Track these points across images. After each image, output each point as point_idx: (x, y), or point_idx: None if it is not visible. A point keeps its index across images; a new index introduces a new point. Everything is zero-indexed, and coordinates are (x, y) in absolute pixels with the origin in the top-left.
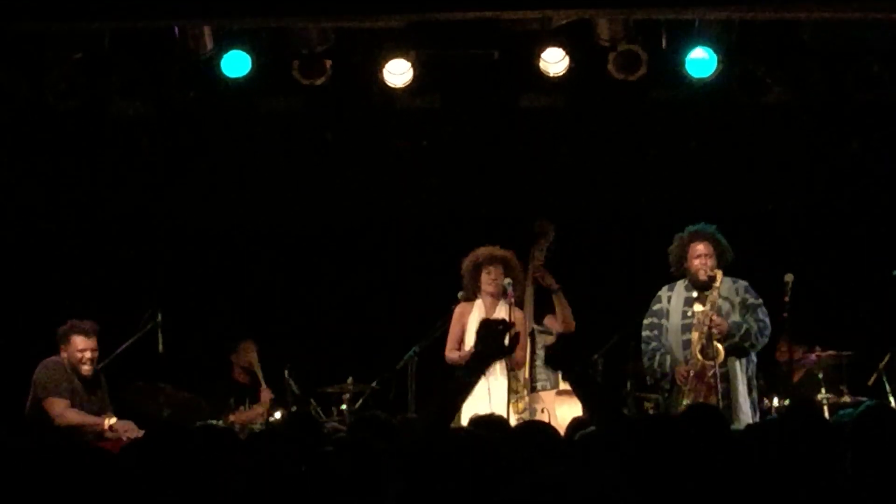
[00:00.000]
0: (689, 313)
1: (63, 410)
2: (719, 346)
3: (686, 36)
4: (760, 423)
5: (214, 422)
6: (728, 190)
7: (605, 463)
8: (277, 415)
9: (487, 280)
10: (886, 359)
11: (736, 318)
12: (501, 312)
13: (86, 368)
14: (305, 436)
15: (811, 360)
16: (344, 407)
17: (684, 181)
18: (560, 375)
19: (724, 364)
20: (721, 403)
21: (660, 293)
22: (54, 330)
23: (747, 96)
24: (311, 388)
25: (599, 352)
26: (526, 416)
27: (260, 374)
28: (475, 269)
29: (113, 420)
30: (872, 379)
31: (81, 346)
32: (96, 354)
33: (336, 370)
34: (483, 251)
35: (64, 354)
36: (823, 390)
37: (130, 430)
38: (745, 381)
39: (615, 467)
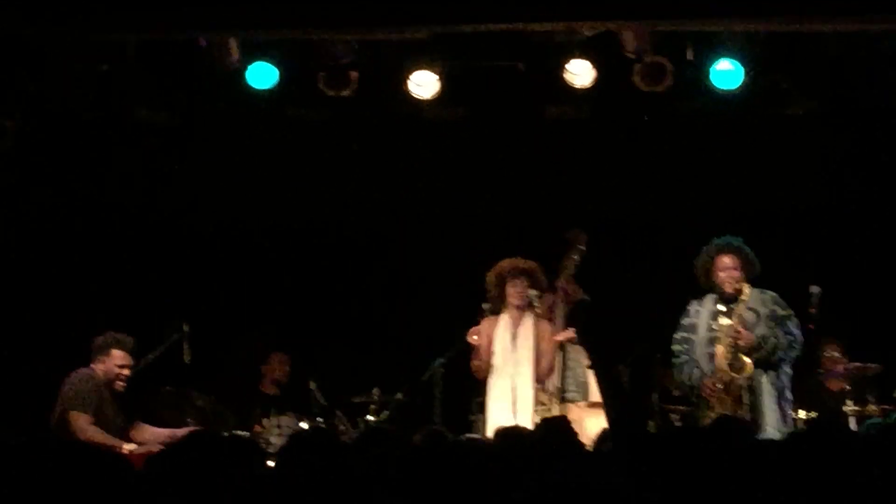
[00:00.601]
0: (715, 326)
1: (85, 426)
2: (746, 358)
3: (711, 48)
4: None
5: (240, 432)
6: (754, 201)
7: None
8: (304, 425)
9: (513, 293)
10: None
11: (763, 330)
12: (528, 325)
13: (120, 384)
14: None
15: (838, 372)
16: (370, 417)
17: (710, 192)
18: (591, 387)
19: (750, 377)
20: (748, 416)
21: (689, 307)
22: (90, 339)
23: (773, 107)
24: (336, 399)
25: (626, 362)
26: None
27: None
28: (500, 281)
29: (133, 447)
30: None
31: (120, 362)
32: (130, 372)
33: (362, 381)
34: (507, 263)
35: (100, 366)
36: (851, 402)
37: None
38: (774, 394)
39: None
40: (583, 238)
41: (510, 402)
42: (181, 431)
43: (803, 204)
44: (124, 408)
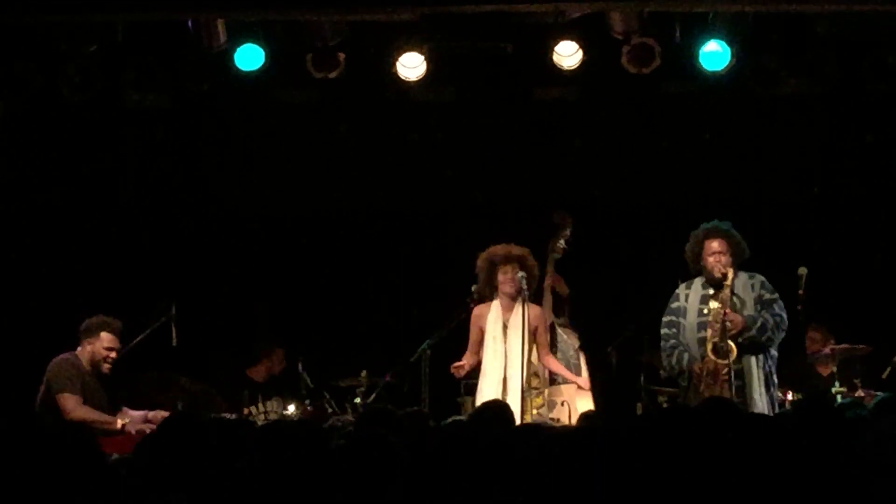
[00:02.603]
0: (705, 311)
1: (76, 406)
2: (732, 343)
3: (700, 29)
4: (775, 415)
5: (228, 415)
6: (742, 182)
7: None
8: (291, 408)
9: (504, 279)
10: None
11: (751, 312)
12: (519, 312)
13: (107, 367)
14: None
15: (826, 354)
16: (358, 400)
17: (698, 174)
18: (581, 369)
19: (738, 361)
20: (735, 400)
21: (678, 291)
22: (79, 321)
23: (761, 89)
24: (324, 382)
25: (613, 344)
26: (544, 410)
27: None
28: (490, 268)
29: (126, 420)
30: (887, 372)
31: (108, 344)
32: (117, 355)
33: (350, 363)
34: (498, 249)
35: (88, 348)
36: (837, 384)
37: (142, 426)
38: (762, 378)
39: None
40: (568, 220)
41: (499, 381)
42: (160, 413)
43: (791, 185)
44: (109, 391)
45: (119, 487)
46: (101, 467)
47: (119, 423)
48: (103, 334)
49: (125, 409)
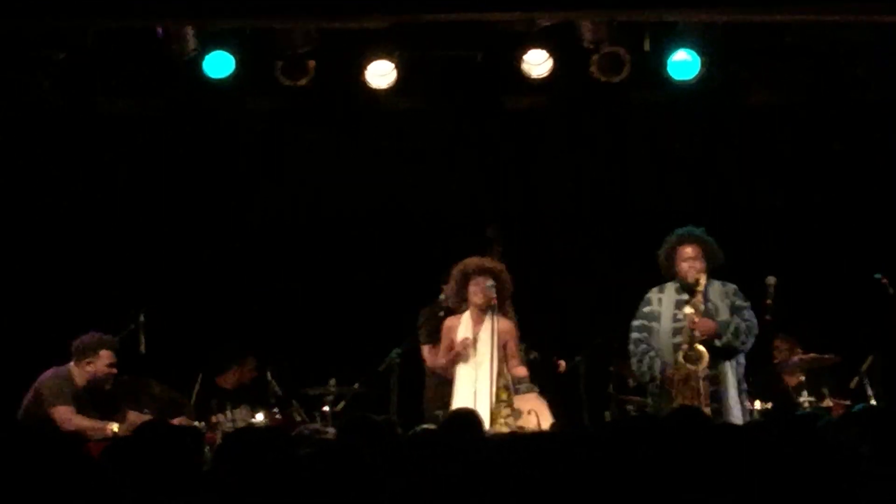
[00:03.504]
0: (679, 316)
1: (70, 416)
2: (702, 348)
3: (669, 38)
4: (745, 425)
5: (197, 423)
6: (711, 192)
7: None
8: (259, 416)
9: (475, 291)
10: (868, 362)
11: (724, 317)
12: (488, 324)
13: (109, 384)
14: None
15: (793, 363)
16: (326, 409)
17: (668, 183)
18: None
19: (714, 366)
20: (710, 406)
21: (649, 295)
22: (47, 329)
23: (731, 98)
24: (293, 390)
25: (581, 353)
26: (511, 420)
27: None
28: (463, 279)
29: (116, 427)
30: (854, 382)
31: (109, 361)
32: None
33: (318, 372)
34: (472, 262)
35: (88, 368)
36: (805, 393)
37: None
38: (735, 384)
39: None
40: (498, 236)
41: (471, 394)
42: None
43: (760, 194)
44: (97, 405)
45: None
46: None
47: (110, 429)
48: (103, 352)
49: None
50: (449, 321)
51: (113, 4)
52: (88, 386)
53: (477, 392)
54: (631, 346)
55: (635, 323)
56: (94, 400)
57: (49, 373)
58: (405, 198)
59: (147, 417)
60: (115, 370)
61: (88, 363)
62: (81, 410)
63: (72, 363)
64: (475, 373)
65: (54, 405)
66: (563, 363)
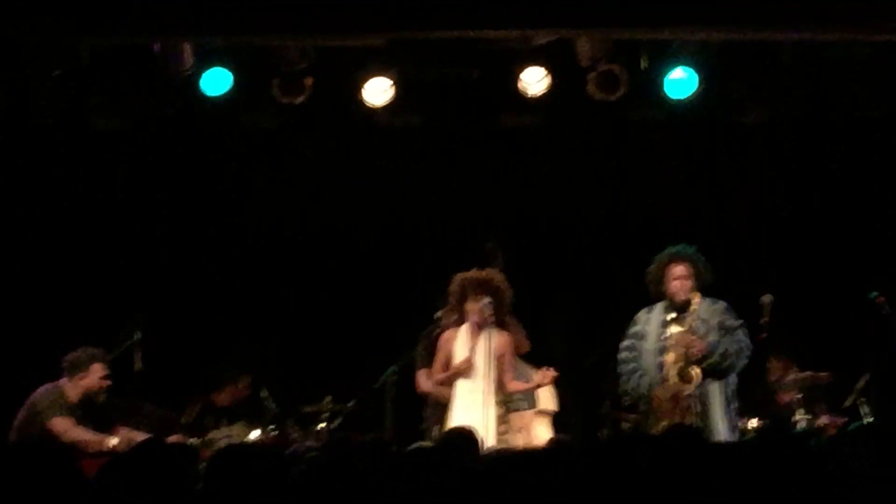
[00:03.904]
0: (665, 335)
1: (69, 427)
2: (696, 368)
3: (666, 56)
4: (737, 442)
5: (193, 440)
6: (707, 210)
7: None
8: (254, 434)
9: (473, 308)
10: (863, 380)
11: (713, 338)
12: (486, 338)
13: (103, 397)
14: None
15: (788, 381)
16: (322, 426)
17: (663, 201)
18: (538, 395)
19: (700, 386)
20: (697, 425)
21: (637, 315)
22: (42, 345)
23: (727, 116)
24: (288, 407)
25: (577, 370)
26: (507, 437)
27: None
28: (462, 293)
29: (115, 441)
30: (849, 400)
31: (101, 373)
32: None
33: (314, 389)
34: (470, 276)
35: (81, 383)
36: (802, 411)
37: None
38: (723, 403)
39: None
40: (499, 252)
41: (477, 417)
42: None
43: (756, 213)
44: (103, 414)
45: None
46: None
47: (109, 442)
48: (94, 366)
49: (122, 428)
50: (446, 334)
51: (110, 21)
52: (82, 401)
53: (476, 409)
54: (620, 366)
55: (624, 343)
56: (87, 416)
57: (42, 389)
58: (401, 215)
59: (139, 434)
60: (108, 382)
61: (81, 378)
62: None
63: (64, 379)
64: (476, 387)
65: (52, 417)
66: (550, 373)
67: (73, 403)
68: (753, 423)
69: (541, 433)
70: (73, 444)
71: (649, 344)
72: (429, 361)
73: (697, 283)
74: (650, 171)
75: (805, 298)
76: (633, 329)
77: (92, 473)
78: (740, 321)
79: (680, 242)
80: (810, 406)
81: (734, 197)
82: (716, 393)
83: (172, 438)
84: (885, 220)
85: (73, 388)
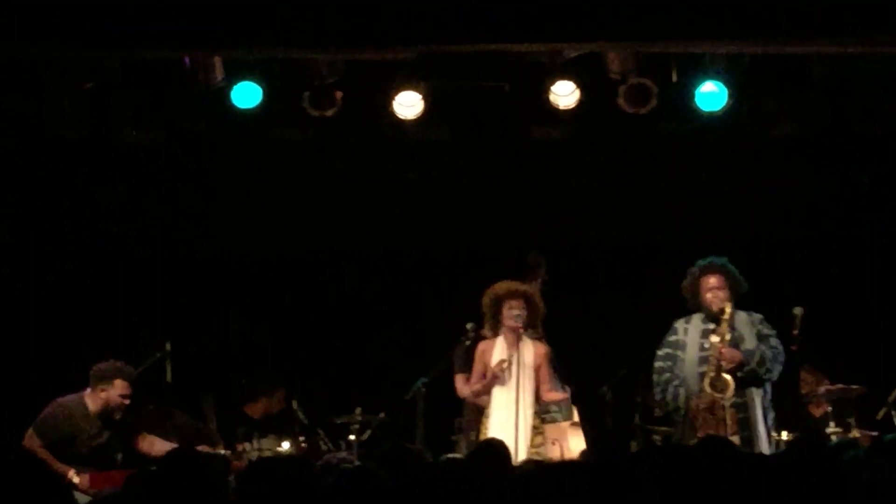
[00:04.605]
0: (706, 345)
1: (38, 448)
2: (728, 377)
3: (696, 69)
4: (772, 455)
5: (224, 451)
6: (737, 223)
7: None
8: (285, 445)
9: (509, 315)
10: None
11: (750, 346)
12: (524, 348)
13: (119, 415)
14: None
15: (820, 394)
16: (352, 437)
17: (694, 214)
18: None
19: (742, 394)
20: (740, 434)
21: (675, 325)
22: (75, 358)
23: (757, 130)
24: (319, 419)
25: (608, 384)
26: (542, 450)
27: None
28: (495, 304)
29: (77, 479)
30: (882, 413)
31: (122, 391)
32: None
33: (344, 400)
34: (502, 286)
35: (102, 395)
36: (832, 424)
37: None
38: (762, 413)
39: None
40: (542, 262)
41: (513, 426)
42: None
43: (787, 226)
44: (113, 432)
45: None
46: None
47: (70, 475)
48: (118, 381)
49: (145, 435)
50: (482, 345)
51: (141, 34)
52: (100, 413)
53: (518, 418)
54: (654, 376)
55: (660, 352)
56: (110, 425)
57: (57, 402)
58: (431, 228)
59: (171, 444)
60: (127, 401)
61: (102, 390)
62: (84, 443)
63: (88, 389)
64: (512, 397)
65: (32, 427)
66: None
67: (90, 413)
68: (785, 435)
69: (575, 445)
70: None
71: (689, 354)
72: (466, 367)
73: (732, 293)
74: (680, 184)
75: (837, 310)
76: (671, 338)
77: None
78: (774, 331)
79: (710, 255)
80: (842, 419)
81: (765, 210)
82: (757, 402)
83: (202, 449)
84: None
85: (95, 399)
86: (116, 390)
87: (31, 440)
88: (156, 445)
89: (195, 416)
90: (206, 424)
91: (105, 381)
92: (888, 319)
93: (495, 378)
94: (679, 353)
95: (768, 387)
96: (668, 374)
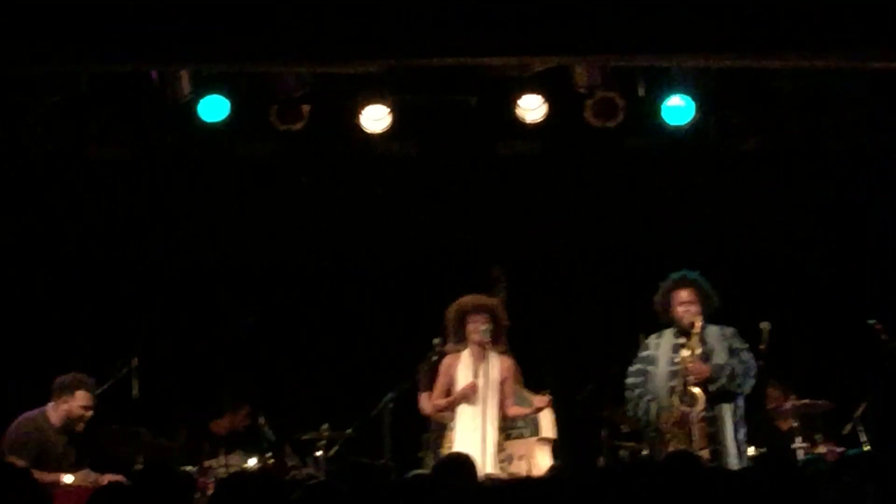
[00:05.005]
0: (676, 360)
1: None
2: (698, 391)
3: (663, 83)
4: (736, 470)
5: (190, 468)
6: (704, 238)
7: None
8: (252, 461)
9: (474, 329)
10: (862, 408)
11: (720, 360)
12: (490, 362)
13: (81, 426)
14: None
15: (787, 409)
16: (319, 454)
17: (661, 228)
18: (540, 423)
19: (711, 408)
20: (709, 448)
21: (647, 340)
22: (39, 373)
23: (724, 144)
24: (286, 435)
25: (575, 399)
26: (505, 465)
27: None
28: (460, 318)
29: (70, 479)
30: (848, 428)
31: (84, 403)
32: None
33: (311, 417)
34: (467, 300)
35: (63, 406)
36: (799, 439)
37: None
38: (733, 427)
39: None
40: (503, 276)
41: (479, 441)
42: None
43: (753, 240)
44: (77, 446)
45: None
46: None
47: (62, 480)
48: (79, 393)
49: (87, 470)
50: (448, 359)
51: (108, 49)
52: (63, 426)
53: (484, 432)
54: (627, 392)
55: (632, 368)
56: (73, 442)
57: (21, 418)
58: (398, 242)
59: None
60: (89, 413)
61: (65, 402)
62: (51, 458)
63: (51, 402)
64: (478, 410)
65: (11, 454)
66: (546, 397)
67: (53, 428)
68: (752, 450)
69: (542, 461)
70: None
71: (660, 369)
72: (430, 385)
73: (703, 307)
74: (648, 199)
75: (803, 326)
76: (643, 354)
77: None
78: (746, 345)
79: (677, 269)
80: (808, 434)
81: (731, 224)
82: (727, 416)
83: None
84: (882, 247)
85: (57, 411)
86: (78, 401)
87: (16, 463)
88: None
89: (162, 433)
90: (171, 441)
91: (67, 393)
92: (855, 335)
93: (463, 398)
94: (650, 368)
95: (740, 401)
96: (640, 390)
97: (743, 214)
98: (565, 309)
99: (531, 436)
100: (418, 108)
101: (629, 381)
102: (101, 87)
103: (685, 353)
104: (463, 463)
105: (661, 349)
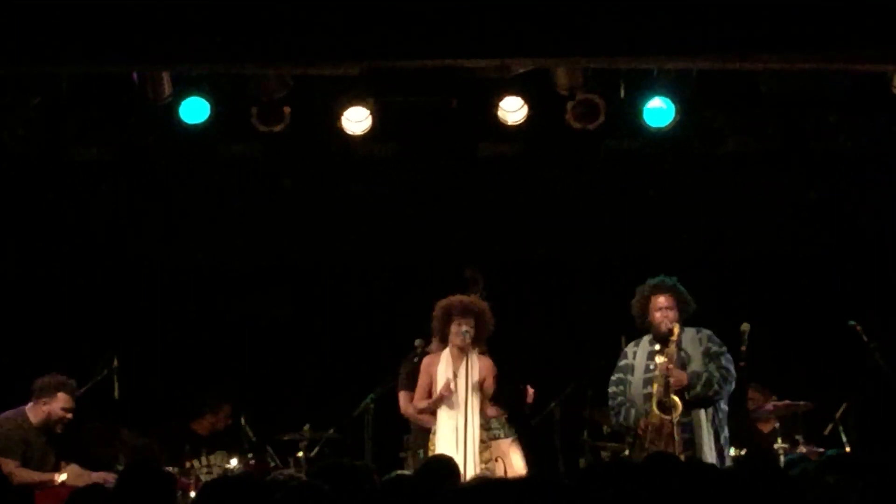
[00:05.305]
0: (652, 366)
1: (14, 470)
2: (676, 398)
3: (644, 85)
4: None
5: (171, 468)
6: (685, 239)
7: None
8: (234, 462)
9: (457, 332)
10: (842, 409)
11: (697, 367)
12: (469, 363)
13: (61, 427)
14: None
15: (768, 410)
16: (300, 454)
17: (641, 230)
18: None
19: (687, 414)
20: (685, 454)
21: (626, 349)
22: (18, 375)
23: (705, 146)
24: (267, 436)
25: (557, 399)
26: (491, 465)
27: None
28: (445, 319)
29: (64, 476)
30: (829, 429)
31: (65, 405)
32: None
33: (292, 417)
34: (455, 301)
35: (43, 408)
36: (779, 440)
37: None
38: (712, 432)
39: None
40: (480, 277)
41: (461, 442)
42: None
43: (733, 242)
44: (56, 446)
45: None
46: None
47: (57, 478)
48: (60, 395)
49: (72, 464)
50: (428, 358)
51: (89, 50)
52: (42, 427)
53: (464, 432)
54: (609, 401)
55: (613, 377)
56: (53, 442)
57: (1, 418)
58: (379, 243)
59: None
60: (69, 415)
61: (45, 403)
62: (32, 458)
63: (30, 403)
64: (460, 411)
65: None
66: (531, 390)
67: (33, 428)
68: (732, 451)
69: (517, 461)
70: (22, 484)
71: (636, 376)
72: (411, 385)
73: (680, 313)
74: (628, 200)
75: (784, 327)
76: (622, 363)
77: None
78: (724, 347)
79: (657, 271)
80: (789, 435)
81: (712, 226)
82: (702, 422)
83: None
84: (862, 248)
85: (36, 412)
86: (59, 403)
87: (7, 465)
88: (81, 472)
89: (143, 433)
90: (152, 441)
91: (47, 394)
92: (835, 336)
93: (441, 399)
94: (628, 376)
95: (723, 404)
96: (620, 398)
97: (723, 216)
98: (546, 309)
99: (506, 437)
100: (399, 110)
101: (610, 390)
102: (82, 88)
103: (660, 359)
104: (446, 465)
105: (637, 357)
